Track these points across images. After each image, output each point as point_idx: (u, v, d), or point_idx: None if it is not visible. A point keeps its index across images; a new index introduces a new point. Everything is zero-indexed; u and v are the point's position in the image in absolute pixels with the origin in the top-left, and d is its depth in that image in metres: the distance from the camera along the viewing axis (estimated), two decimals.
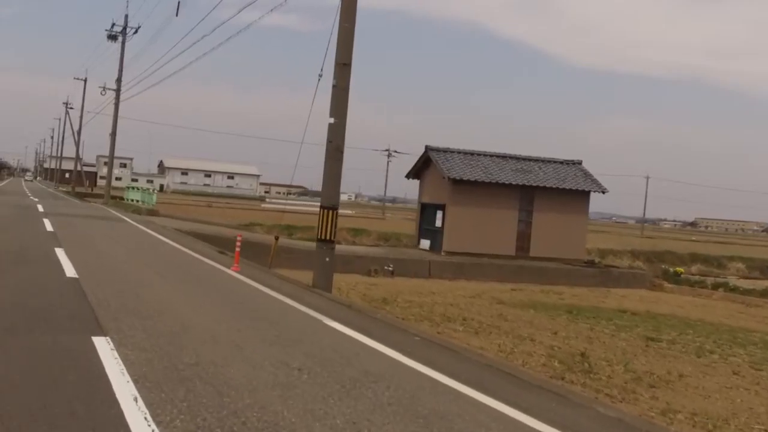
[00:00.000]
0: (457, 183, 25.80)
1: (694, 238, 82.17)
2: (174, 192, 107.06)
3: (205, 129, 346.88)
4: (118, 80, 39.16)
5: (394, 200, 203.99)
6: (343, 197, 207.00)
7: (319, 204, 12.15)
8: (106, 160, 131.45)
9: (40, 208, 27.65)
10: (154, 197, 31.38)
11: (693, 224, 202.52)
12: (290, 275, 18.18)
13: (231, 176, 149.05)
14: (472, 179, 25.91)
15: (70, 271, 10.26)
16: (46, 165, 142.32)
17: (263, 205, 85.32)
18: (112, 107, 38.96)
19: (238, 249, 12.87)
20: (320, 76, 12.57)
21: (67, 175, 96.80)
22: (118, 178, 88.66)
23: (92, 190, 74.51)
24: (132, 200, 37.12)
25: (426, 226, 28.03)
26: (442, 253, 26.17)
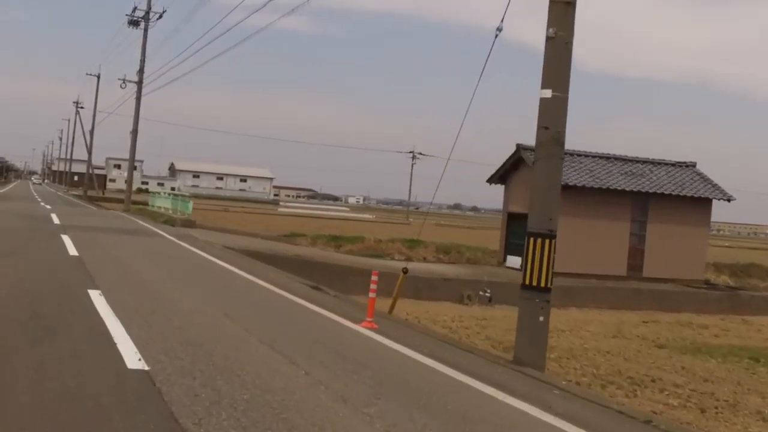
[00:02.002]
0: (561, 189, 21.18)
1: (727, 245, 77.08)
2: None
3: (209, 129, 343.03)
4: (140, 71, 34.62)
5: (401, 202, 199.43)
6: (351, 200, 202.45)
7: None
8: (116, 162, 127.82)
9: (55, 218, 23.11)
10: (190, 205, 26.53)
11: None
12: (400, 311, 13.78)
13: (243, 179, 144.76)
14: (579, 185, 21.34)
15: (128, 351, 5.77)
16: (54, 167, 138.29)
17: (280, 210, 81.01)
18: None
19: (373, 295, 8.34)
20: (499, 30, 8.12)
21: (75, 178, 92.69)
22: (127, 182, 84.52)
23: (103, 193, 70.42)
24: (159, 207, 32.40)
25: (514, 240, 23.46)
26: None
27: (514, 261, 23.27)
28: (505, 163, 23.32)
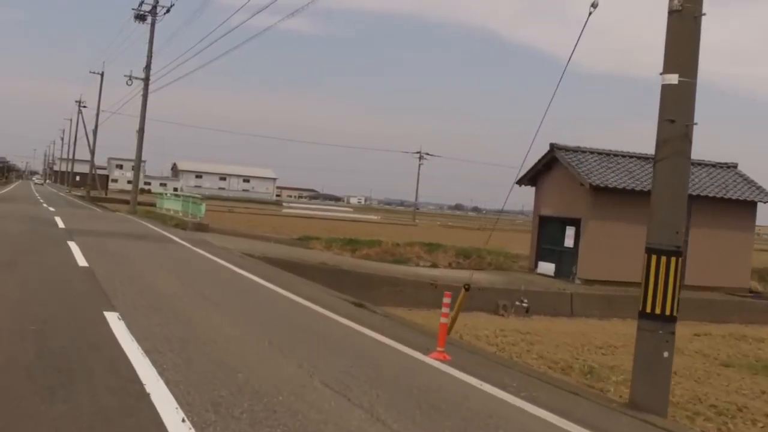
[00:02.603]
0: (600, 191, 19.88)
1: None
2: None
3: (211, 128, 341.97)
4: (147, 67, 33.29)
5: (402, 203, 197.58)
6: (353, 201, 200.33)
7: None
8: (118, 162, 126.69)
9: (59, 221, 21.76)
10: (203, 207, 25.09)
11: None
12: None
13: (247, 179, 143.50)
14: (619, 186, 20.00)
15: (167, 407, 4.44)
16: (55, 167, 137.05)
17: (284, 211, 79.59)
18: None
19: (444, 320, 7.02)
20: (594, 6, 6.77)
21: (77, 178, 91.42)
22: (129, 182, 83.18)
23: (106, 194, 69.13)
24: (168, 210, 30.90)
25: (546, 245, 22.13)
26: (577, 281, 20.27)
27: (545, 267, 21.95)
28: (536, 164, 21.98)
